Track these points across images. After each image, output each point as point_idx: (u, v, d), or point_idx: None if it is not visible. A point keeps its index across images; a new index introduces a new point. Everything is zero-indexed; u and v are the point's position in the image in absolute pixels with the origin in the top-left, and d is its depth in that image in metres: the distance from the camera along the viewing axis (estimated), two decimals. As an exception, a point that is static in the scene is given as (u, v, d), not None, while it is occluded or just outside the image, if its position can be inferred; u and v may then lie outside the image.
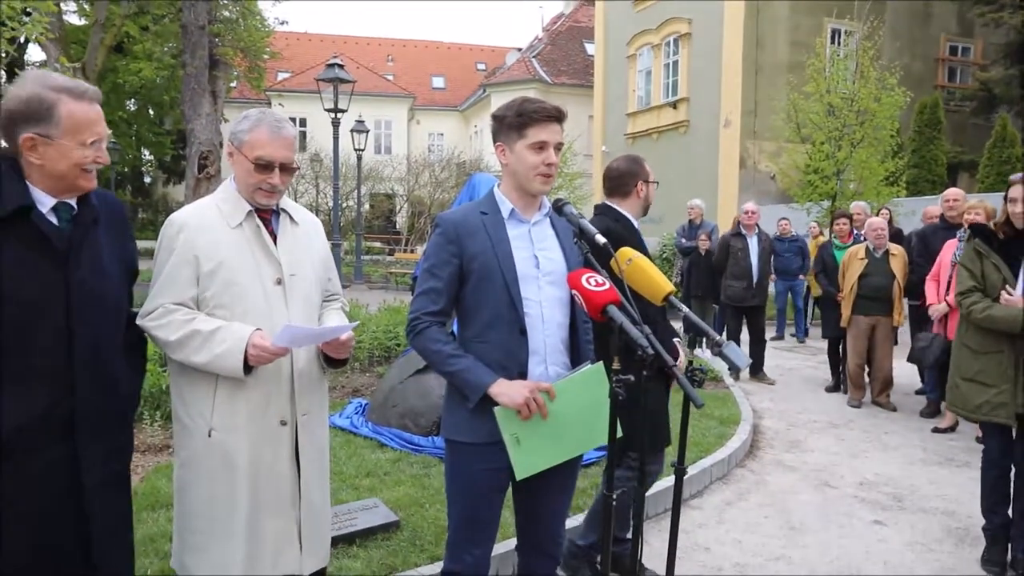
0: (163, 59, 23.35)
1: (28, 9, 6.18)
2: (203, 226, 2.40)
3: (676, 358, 2.67)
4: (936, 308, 6.22)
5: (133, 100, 31.28)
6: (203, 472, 2.41)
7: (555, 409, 2.17)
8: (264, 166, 2.39)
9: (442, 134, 40.09)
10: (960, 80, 24.03)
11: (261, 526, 2.44)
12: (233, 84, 26.78)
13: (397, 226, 34.23)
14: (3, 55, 6.19)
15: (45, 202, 2.03)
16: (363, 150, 23.25)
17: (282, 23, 25.35)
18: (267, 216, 2.51)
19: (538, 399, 2.12)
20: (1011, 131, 17.13)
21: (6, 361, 1.95)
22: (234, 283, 2.38)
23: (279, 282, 2.46)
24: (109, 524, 2.20)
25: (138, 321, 2.35)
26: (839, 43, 20.84)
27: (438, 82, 42.53)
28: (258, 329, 2.31)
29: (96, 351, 2.10)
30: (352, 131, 20.76)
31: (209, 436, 2.36)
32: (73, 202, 2.10)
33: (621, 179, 3.48)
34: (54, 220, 2.04)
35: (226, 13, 22.41)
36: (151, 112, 33.16)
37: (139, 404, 2.52)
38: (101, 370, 2.12)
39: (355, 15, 79.59)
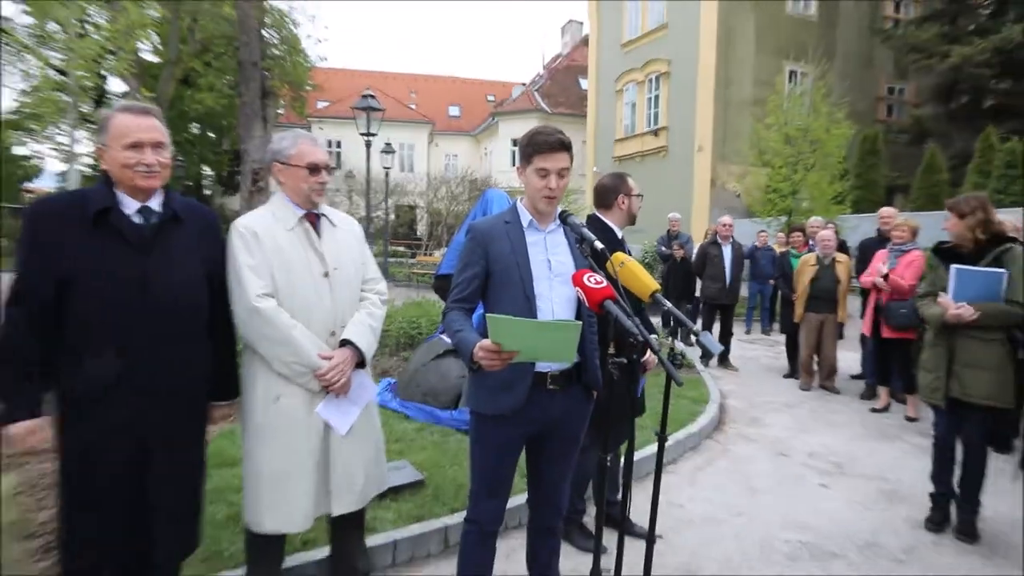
0: (222, 90, 23.34)
1: (113, 49, 6.20)
2: (266, 231, 2.42)
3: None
4: (869, 281, 6.29)
5: (196, 124, 31.23)
6: (269, 437, 2.41)
7: (526, 332, 1.99)
8: (315, 168, 2.44)
9: (457, 155, 39.94)
10: (896, 116, 23.98)
11: (314, 480, 2.45)
12: (280, 111, 26.77)
13: (418, 233, 34.12)
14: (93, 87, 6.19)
15: (130, 205, 2.06)
16: (390, 168, 23.22)
17: (322, 60, 25.34)
18: (314, 220, 2.52)
19: (501, 356, 1.98)
20: (939, 160, 17.12)
21: (87, 337, 1.99)
22: (290, 275, 2.41)
23: (326, 275, 2.48)
24: (177, 483, 2.20)
25: (256, 301, 2.30)
26: (796, 82, 20.75)
27: (454, 111, 42.40)
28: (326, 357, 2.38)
29: (165, 334, 2.10)
30: (381, 152, 20.73)
31: (276, 403, 2.38)
32: (156, 206, 2.12)
33: (605, 193, 3.42)
34: (136, 220, 2.06)
35: (276, 51, 22.48)
36: (211, 135, 33.08)
37: (225, 392, 2.45)
38: (172, 348, 2.12)
39: (383, 53, 79.67)
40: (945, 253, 3.76)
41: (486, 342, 1.97)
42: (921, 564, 3.36)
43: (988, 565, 3.37)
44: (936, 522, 3.77)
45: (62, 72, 6.25)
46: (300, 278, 2.42)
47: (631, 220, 3.48)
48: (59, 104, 5.97)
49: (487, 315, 1.98)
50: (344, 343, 2.46)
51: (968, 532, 3.64)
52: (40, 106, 5.98)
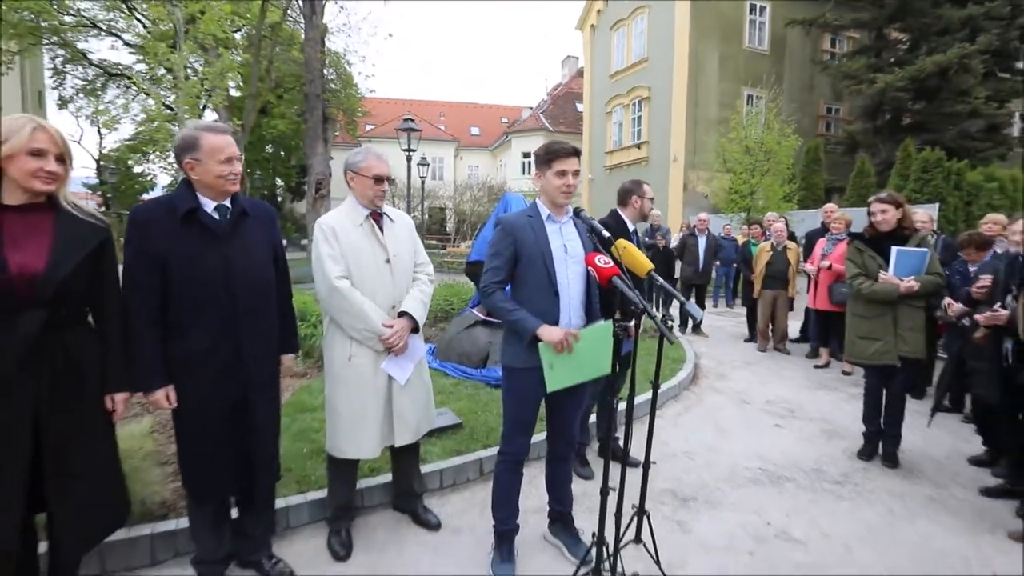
0: (291, 117, 23.24)
1: (209, 88, 6.22)
2: (341, 227, 2.43)
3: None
4: (810, 268, 6.35)
5: (271, 145, 31.20)
6: (345, 386, 2.44)
7: (577, 347, 2.15)
8: (379, 179, 2.44)
9: (477, 166, 39.60)
10: (833, 131, 23.48)
11: (381, 419, 2.48)
12: (336, 133, 26.66)
13: (447, 229, 34.03)
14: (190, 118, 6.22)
15: (208, 204, 2.05)
16: (425, 177, 23.03)
17: (371, 91, 25.11)
18: (377, 218, 2.52)
19: (568, 340, 2.12)
20: (867, 166, 16.76)
21: (186, 312, 2.00)
22: (359, 262, 2.41)
23: (387, 261, 2.48)
24: (268, 421, 2.23)
25: (335, 282, 2.32)
26: (752, 104, 20.39)
27: (475, 130, 41.98)
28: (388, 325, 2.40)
29: (252, 302, 2.10)
30: (418, 164, 20.59)
31: (349, 361, 2.41)
32: (228, 204, 2.12)
33: (624, 194, 3.44)
34: (216, 216, 2.06)
35: (333, 86, 22.35)
36: (283, 153, 33.03)
37: (291, 347, 2.42)
38: (257, 315, 2.12)
39: (418, 84, 79.28)
40: (866, 241, 3.67)
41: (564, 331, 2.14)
42: (854, 485, 3.36)
43: (906, 484, 3.37)
44: (867, 454, 3.76)
45: (170, 107, 6.30)
46: (367, 264, 2.43)
47: (642, 217, 3.48)
48: (171, 132, 6.01)
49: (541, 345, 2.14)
50: (402, 314, 2.47)
51: (892, 460, 3.63)
52: (156, 133, 6.04)
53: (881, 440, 3.73)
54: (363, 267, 2.41)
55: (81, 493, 1.75)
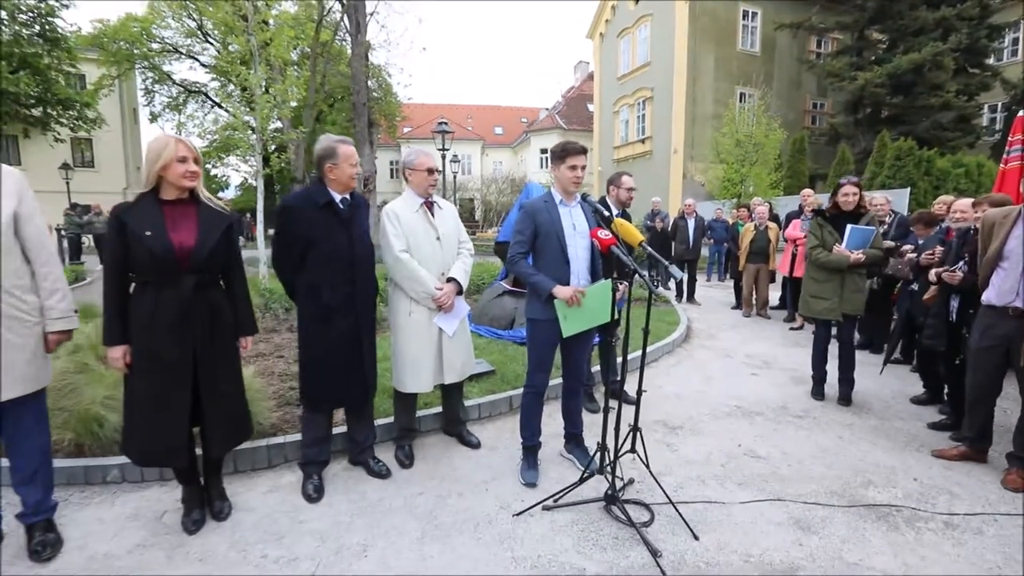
0: (341, 123, 23.58)
1: (278, 103, 6.54)
2: (402, 212, 2.70)
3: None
4: (790, 233, 6.52)
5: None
6: (406, 336, 2.72)
7: (584, 302, 2.40)
8: (431, 171, 2.69)
9: (501, 162, 39.42)
10: (818, 124, 22.90)
11: (434, 361, 2.76)
12: (379, 135, 26.94)
13: (475, 217, 34.23)
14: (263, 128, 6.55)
15: (337, 197, 2.38)
16: (456, 172, 23.43)
17: (409, 99, 25.26)
18: (429, 205, 2.76)
19: (577, 296, 2.37)
20: (848, 155, 16.43)
21: (325, 273, 2.35)
22: (416, 240, 2.67)
23: (438, 239, 2.72)
24: (372, 354, 2.57)
25: (399, 254, 2.60)
26: (744, 101, 20.03)
27: (498, 130, 41.67)
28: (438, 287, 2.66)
29: (363, 268, 2.44)
30: (450, 161, 20.92)
31: (409, 316, 2.70)
32: (348, 196, 2.44)
33: (607, 184, 3.67)
34: (342, 206, 2.39)
35: (376, 94, 22.52)
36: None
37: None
38: (366, 278, 2.46)
39: (448, 89, 79.02)
40: (827, 218, 3.81)
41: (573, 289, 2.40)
42: (812, 418, 3.57)
43: (855, 417, 3.57)
44: (818, 394, 3.95)
45: (249, 119, 6.67)
46: (422, 241, 2.69)
47: (623, 203, 3.62)
48: (251, 142, 6.38)
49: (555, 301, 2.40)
50: (450, 280, 2.74)
51: (846, 400, 3.82)
52: (239, 141, 6.39)
53: (839, 384, 3.89)
54: (419, 243, 2.68)
55: (225, 408, 2.13)
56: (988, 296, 2.79)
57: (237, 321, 2.19)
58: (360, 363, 2.50)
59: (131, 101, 25.96)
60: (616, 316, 2.37)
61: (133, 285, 1.99)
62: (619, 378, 3.54)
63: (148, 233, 1.89)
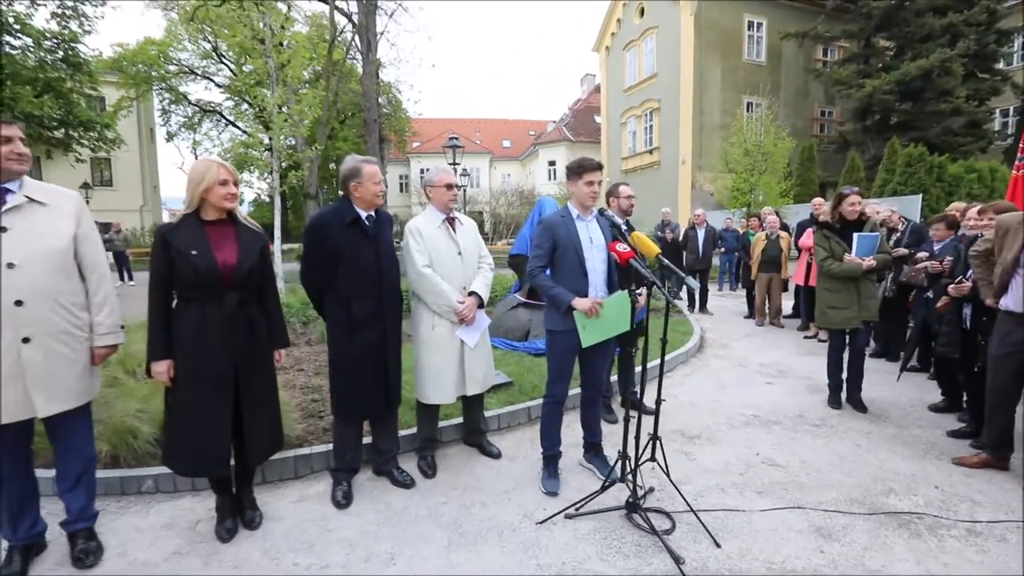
0: (353, 139, 24.07)
1: (295, 123, 6.72)
2: (425, 228, 2.78)
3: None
4: (804, 242, 6.45)
5: (334, 164, 32.20)
6: (429, 348, 2.78)
7: (602, 312, 2.46)
8: (449, 186, 2.78)
9: (509, 175, 39.73)
10: (827, 132, 22.86)
11: (456, 373, 2.82)
12: (390, 151, 27.34)
13: (485, 230, 34.47)
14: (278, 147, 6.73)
15: (363, 214, 2.47)
16: (466, 186, 23.68)
17: (419, 114, 25.67)
18: (451, 221, 2.84)
19: (595, 307, 2.44)
20: (858, 163, 16.39)
21: (353, 288, 2.44)
22: (439, 255, 2.74)
23: (459, 254, 2.80)
24: (396, 366, 2.63)
25: (422, 269, 2.68)
26: (752, 111, 20.09)
27: (506, 143, 42.06)
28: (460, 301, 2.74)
29: (389, 283, 2.52)
30: (460, 175, 21.16)
31: (432, 329, 2.77)
32: (373, 213, 2.54)
33: (606, 195, 3.66)
34: (368, 223, 2.48)
35: (386, 110, 22.93)
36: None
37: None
38: (391, 292, 2.54)
39: (457, 104, 79.94)
40: (832, 229, 3.85)
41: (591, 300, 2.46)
42: (830, 427, 3.58)
43: (873, 425, 3.58)
44: (835, 402, 3.96)
45: (265, 138, 6.87)
46: (445, 256, 2.76)
47: (623, 213, 3.58)
48: (267, 160, 6.58)
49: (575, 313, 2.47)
50: (471, 293, 2.81)
51: (858, 406, 3.84)
52: (254, 160, 6.61)
53: (848, 390, 3.92)
54: (442, 258, 2.76)
55: (263, 419, 2.21)
56: (1006, 302, 2.81)
57: (271, 335, 2.28)
58: (385, 375, 2.57)
59: (148, 121, 26.67)
60: (635, 327, 2.43)
61: (176, 302, 2.10)
62: (636, 389, 3.61)
63: (194, 252, 2.00)
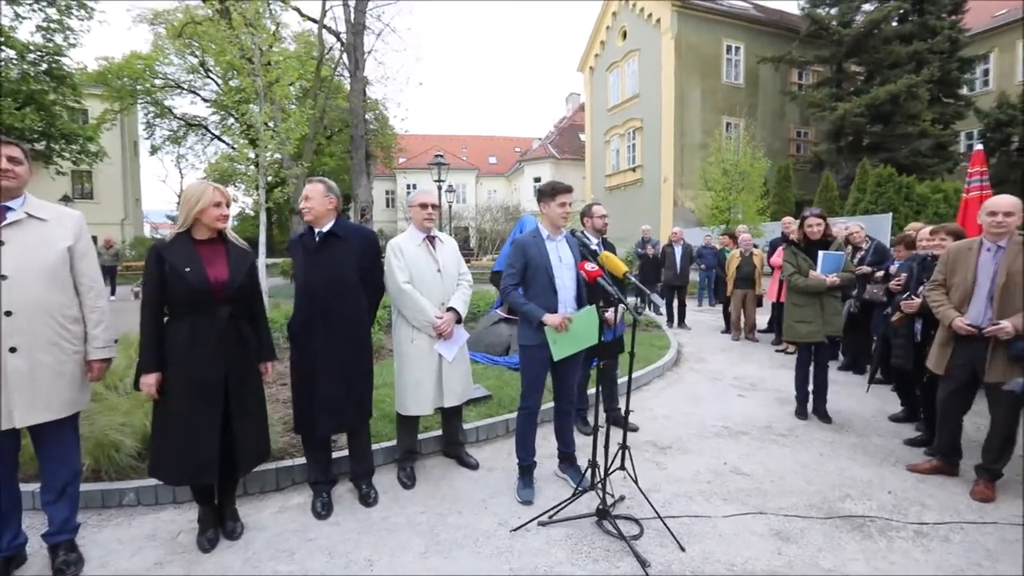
0: (339, 155, 24.15)
1: (283, 140, 6.82)
2: (406, 246, 2.91)
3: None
4: (775, 260, 6.64)
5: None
6: (408, 361, 2.88)
7: (571, 327, 2.58)
8: (423, 205, 2.89)
9: (495, 191, 39.95)
10: (802, 152, 23.60)
11: (434, 385, 2.91)
12: (376, 167, 27.45)
13: (471, 245, 34.60)
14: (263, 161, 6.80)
15: (315, 231, 2.61)
16: (451, 202, 23.84)
17: (405, 131, 25.84)
18: (431, 240, 2.95)
19: (565, 322, 2.56)
20: (831, 182, 16.99)
21: (299, 298, 2.58)
22: (419, 272, 2.86)
23: (439, 271, 2.91)
24: (332, 382, 2.55)
25: (402, 285, 2.77)
26: (730, 131, 20.72)
27: (492, 160, 42.35)
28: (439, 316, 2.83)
29: (332, 294, 2.56)
30: (446, 191, 21.33)
31: (412, 343, 2.87)
32: (324, 230, 2.61)
33: (580, 215, 3.83)
34: (316, 238, 2.60)
35: (372, 127, 23.11)
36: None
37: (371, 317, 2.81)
38: (336, 303, 2.57)
39: (444, 121, 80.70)
40: (799, 247, 4.05)
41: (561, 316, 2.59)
42: (795, 436, 3.73)
43: (836, 435, 3.74)
44: (801, 413, 4.11)
45: (253, 154, 6.95)
46: (424, 273, 2.88)
47: (598, 231, 3.73)
48: (255, 176, 6.66)
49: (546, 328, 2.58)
50: (450, 309, 2.92)
51: (823, 417, 4.00)
52: (240, 176, 6.69)
53: (814, 402, 4.09)
54: (422, 274, 2.88)
55: (252, 428, 2.30)
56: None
57: (259, 348, 2.37)
58: (311, 389, 2.56)
59: (132, 134, 26.52)
60: (614, 342, 2.55)
61: (167, 317, 2.18)
62: (618, 405, 3.70)
63: (188, 269, 2.10)
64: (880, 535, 2.47)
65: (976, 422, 3.55)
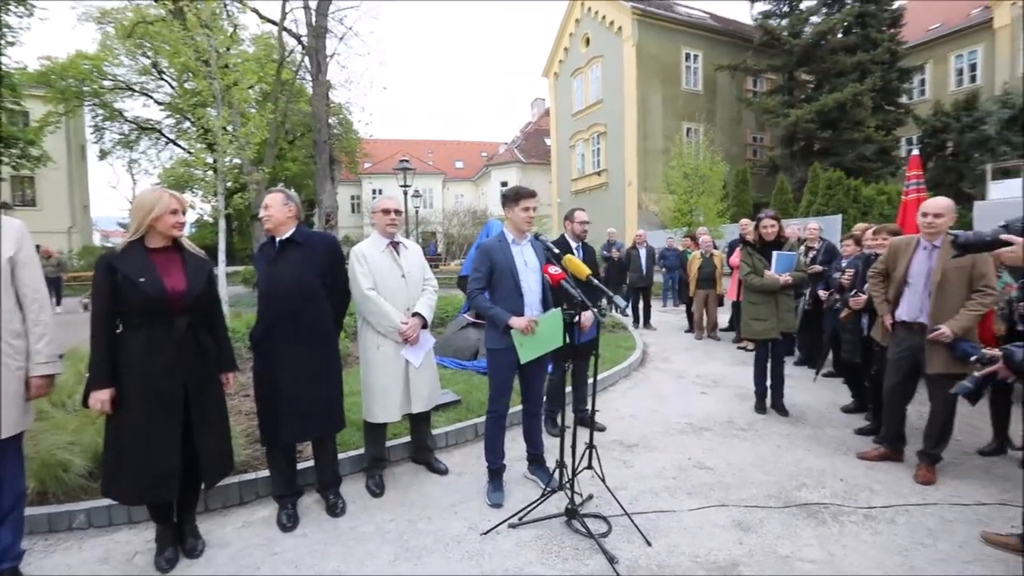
0: (302, 160, 23.66)
1: (243, 145, 6.64)
2: (369, 252, 2.89)
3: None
4: (733, 260, 6.80)
5: (283, 183, 31.40)
6: (375, 368, 2.85)
7: (537, 330, 2.60)
8: (385, 211, 2.88)
9: (462, 195, 39.83)
10: (759, 156, 24.53)
11: (402, 391, 2.89)
12: (340, 172, 27.01)
13: (437, 250, 34.38)
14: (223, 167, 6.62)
15: (275, 239, 2.59)
16: (418, 207, 23.63)
17: (370, 136, 25.53)
18: (395, 245, 2.94)
19: (531, 325, 2.58)
20: (786, 185, 17.73)
21: (261, 307, 2.54)
22: (383, 278, 2.84)
23: (403, 276, 2.90)
24: (293, 391, 2.51)
25: (366, 292, 2.74)
26: (690, 136, 21.32)
27: (459, 164, 42.26)
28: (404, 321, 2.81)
29: (293, 301, 2.52)
30: (412, 196, 21.13)
31: (378, 349, 2.84)
32: (283, 238, 2.58)
33: (564, 219, 3.90)
34: (275, 247, 2.57)
35: (336, 131, 22.72)
36: (294, 190, 33.12)
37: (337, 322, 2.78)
38: (297, 311, 2.53)
39: (409, 126, 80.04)
40: (754, 247, 4.21)
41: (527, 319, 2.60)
42: (755, 431, 3.87)
43: (792, 427, 3.90)
44: (760, 408, 4.26)
45: (211, 159, 6.72)
46: (389, 278, 2.86)
47: (578, 235, 3.80)
48: (214, 182, 6.45)
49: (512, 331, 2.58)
50: (415, 314, 2.90)
51: (780, 410, 4.17)
52: (197, 181, 6.44)
53: (771, 397, 4.25)
54: (386, 280, 2.86)
55: (214, 438, 2.23)
56: (899, 313, 3.18)
57: (219, 358, 2.30)
58: (274, 397, 2.53)
59: (79, 138, 25.22)
60: (585, 345, 2.57)
61: (120, 329, 2.09)
62: (586, 406, 3.76)
63: (142, 279, 2.02)
64: (833, 520, 2.59)
65: (919, 410, 3.77)
